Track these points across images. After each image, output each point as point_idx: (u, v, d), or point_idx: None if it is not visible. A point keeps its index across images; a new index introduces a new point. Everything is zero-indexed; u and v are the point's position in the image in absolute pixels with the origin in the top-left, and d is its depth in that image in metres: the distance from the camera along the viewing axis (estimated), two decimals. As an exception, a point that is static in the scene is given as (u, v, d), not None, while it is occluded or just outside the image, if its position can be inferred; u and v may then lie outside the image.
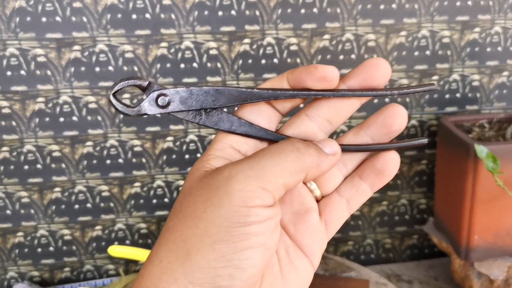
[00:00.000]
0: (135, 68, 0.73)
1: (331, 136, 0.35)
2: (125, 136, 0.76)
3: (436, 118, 0.81)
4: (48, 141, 0.75)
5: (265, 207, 0.29)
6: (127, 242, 0.81)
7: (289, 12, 0.73)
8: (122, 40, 0.71)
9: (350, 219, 0.85)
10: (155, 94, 0.33)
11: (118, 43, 0.72)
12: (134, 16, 0.71)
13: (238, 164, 0.30)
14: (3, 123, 0.73)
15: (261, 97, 0.33)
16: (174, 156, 0.78)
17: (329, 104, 0.34)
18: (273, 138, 0.34)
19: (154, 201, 0.80)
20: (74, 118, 0.74)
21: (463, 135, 0.69)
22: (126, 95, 0.73)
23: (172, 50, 0.73)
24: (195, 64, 0.74)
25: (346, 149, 0.34)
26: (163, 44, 0.72)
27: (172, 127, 0.76)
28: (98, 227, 0.80)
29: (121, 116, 0.75)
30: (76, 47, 0.71)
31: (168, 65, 0.73)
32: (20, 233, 0.79)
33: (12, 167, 0.75)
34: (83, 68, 0.72)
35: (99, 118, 0.75)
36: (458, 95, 0.80)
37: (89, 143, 0.76)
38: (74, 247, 0.81)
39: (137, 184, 0.79)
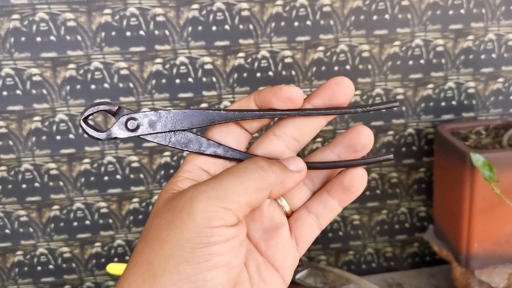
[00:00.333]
0: (131, 85, 0.73)
1: (301, 154, 0.35)
2: (122, 152, 0.76)
3: (432, 126, 0.81)
4: (46, 160, 0.75)
5: (228, 227, 0.30)
6: (127, 258, 0.81)
7: (283, 25, 0.73)
8: (117, 57, 0.72)
9: (350, 229, 0.85)
10: (124, 118, 0.34)
11: (113, 60, 0.72)
12: (128, 33, 0.71)
13: (201, 185, 0.31)
14: (0, 142, 0.73)
15: (228, 118, 0.34)
16: (172, 171, 0.78)
17: (295, 123, 0.34)
18: (242, 158, 0.34)
19: (153, 216, 0.80)
20: (71, 135, 0.74)
21: (459, 143, 0.69)
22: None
23: (167, 66, 0.73)
24: (190, 79, 0.74)
25: (313, 166, 0.35)
26: (158, 60, 0.73)
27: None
28: (97, 244, 0.80)
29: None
30: (71, 66, 0.71)
31: (164, 80, 0.73)
32: (19, 252, 0.79)
33: (10, 186, 0.75)
34: (78, 86, 0.72)
35: (96, 135, 0.75)
36: (454, 102, 0.80)
37: (86, 160, 0.76)
38: (73, 265, 0.81)
39: (135, 199, 0.79)
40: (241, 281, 0.33)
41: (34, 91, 0.72)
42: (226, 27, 0.72)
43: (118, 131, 0.34)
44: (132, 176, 0.77)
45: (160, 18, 0.71)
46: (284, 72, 0.75)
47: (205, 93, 0.75)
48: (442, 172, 0.76)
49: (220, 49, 0.73)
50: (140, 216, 0.80)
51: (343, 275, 0.66)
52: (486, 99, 0.81)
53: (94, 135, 0.33)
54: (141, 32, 0.71)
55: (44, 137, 0.74)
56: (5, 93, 0.71)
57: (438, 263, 0.87)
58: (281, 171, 0.32)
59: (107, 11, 0.70)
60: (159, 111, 0.34)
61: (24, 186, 0.76)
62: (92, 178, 0.77)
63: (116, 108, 0.34)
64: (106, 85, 0.73)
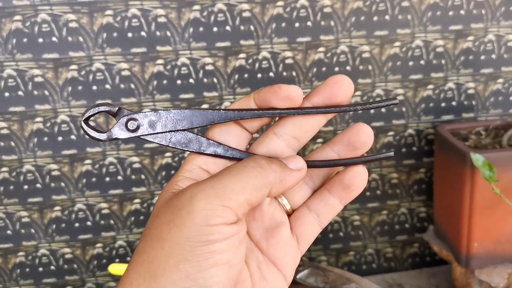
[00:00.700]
0: (132, 86, 0.73)
1: (301, 153, 0.36)
2: (124, 153, 0.76)
3: (432, 126, 0.81)
4: (47, 161, 0.75)
5: (228, 225, 0.30)
6: (128, 258, 0.81)
7: (284, 26, 0.73)
8: (118, 58, 0.72)
9: (351, 229, 0.85)
10: (125, 119, 0.34)
11: (115, 61, 0.72)
12: (129, 34, 0.71)
13: (200, 184, 0.31)
14: (2, 143, 0.74)
15: (227, 118, 0.34)
16: (173, 172, 0.78)
17: (294, 122, 0.35)
18: (242, 157, 0.34)
19: (154, 217, 0.80)
20: (73, 136, 0.75)
21: (460, 144, 0.69)
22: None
23: (169, 67, 0.73)
24: (191, 80, 0.74)
25: (313, 164, 0.35)
26: (159, 61, 0.73)
27: (170, 143, 0.77)
28: (98, 245, 0.80)
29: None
30: (73, 67, 0.72)
31: (165, 81, 0.74)
32: (21, 253, 0.79)
33: (11, 187, 0.76)
34: (80, 87, 0.73)
35: (98, 136, 0.75)
36: (454, 103, 0.80)
37: (88, 161, 0.76)
38: (75, 266, 0.81)
39: (136, 200, 0.79)
40: (242, 279, 0.33)
41: (36, 92, 0.72)
42: (227, 28, 0.73)
43: (118, 131, 0.34)
44: (133, 177, 0.78)
45: (161, 19, 0.71)
46: (285, 73, 0.75)
47: (206, 94, 0.75)
48: (442, 172, 0.76)
49: (221, 50, 0.73)
50: (142, 217, 0.80)
51: (344, 275, 0.67)
52: (486, 99, 0.81)
53: (95, 136, 0.34)
54: (143, 33, 0.71)
55: (45, 138, 0.74)
56: (7, 94, 0.72)
57: (438, 263, 0.88)
58: (281, 169, 0.32)
59: (108, 12, 0.70)
60: (159, 111, 0.34)
61: (25, 187, 0.76)
62: (94, 179, 0.77)
63: (117, 109, 0.34)
64: (107, 86, 0.73)
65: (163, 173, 0.78)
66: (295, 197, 0.36)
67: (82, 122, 0.33)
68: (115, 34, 0.71)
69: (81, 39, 0.71)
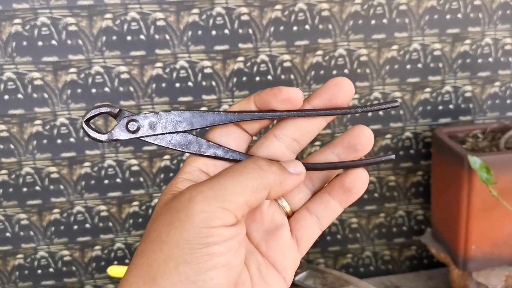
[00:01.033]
0: (131, 89, 0.74)
1: (299, 156, 0.36)
2: (122, 155, 0.77)
3: (430, 129, 0.81)
4: (46, 163, 0.75)
5: (227, 227, 0.30)
6: (127, 261, 0.81)
7: (282, 29, 0.74)
8: (117, 62, 0.72)
9: (348, 232, 0.85)
10: (125, 120, 0.34)
11: (114, 65, 0.72)
12: (129, 38, 0.72)
13: (199, 186, 0.31)
14: (1, 146, 0.74)
15: (228, 120, 0.34)
16: (171, 175, 0.78)
17: (295, 124, 0.35)
18: (242, 159, 0.34)
19: (153, 219, 0.80)
20: (72, 139, 0.75)
21: (457, 146, 0.70)
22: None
23: (167, 70, 0.74)
24: (190, 83, 0.74)
25: (314, 167, 0.35)
26: (158, 64, 0.73)
27: (169, 145, 0.77)
28: (97, 247, 0.80)
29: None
30: (72, 70, 0.72)
31: (164, 84, 0.74)
32: (20, 255, 0.79)
33: (11, 189, 0.76)
34: (79, 90, 0.73)
35: (96, 138, 0.75)
36: (451, 106, 0.81)
37: (86, 163, 0.76)
38: (74, 268, 0.81)
39: (135, 203, 0.79)
40: (242, 281, 0.33)
41: (35, 95, 0.72)
42: (226, 31, 0.73)
43: (119, 132, 0.34)
44: (132, 179, 0.78)
45: (160, 23, 0.72)
46: (283, 76, 0.76)
47: (204, 97, 0.75)
48: (439, 175, 0.76)
49: (219, 53, 0.74)
50: (140, 220, 0.80)
51: (342, 277, 0.67)
52: (483, 102, 0.81)
53: (96, 137, 0.34)
54: (142, 37, 0.72)
55: (45, 141, 0.74)
56: (6, 97, 0.72)
57: (436, 266, 0.88)
58: (281, 172, 0.32)
59: (108, 15, 0.70)
60: (159, 113, 0.34)
61: (24, 189, 0.76)
62: (93, 182, 0.77)
63: (117, 110, 0.34)
64: (106, 89, 0.73)
65: (162, 175, 0.78)
66: (295, 199, 0.36)
67: (83, 123, 0.34)
68: (114, 38, 0.71)
69: (80, 42, 0.71)
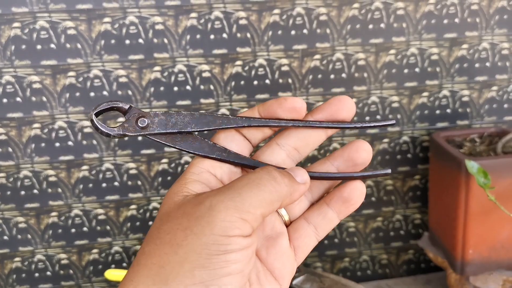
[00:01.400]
0: (129, 92, 0.74)
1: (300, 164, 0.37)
2: (120, 159, 0.77)
3: (427, 133, 0.82)
4: (44, 166, 0.75)
5: (244, 237, 0.31)
6: (124, 264, 0.81)
7: (280, 33, 0.74)
8: (116, 65, 0.73)
9: (346, 236, 0.85)
10: (135, 116, 0.34)
11: (112, 68, 0.73)
12: (127, 42, 0.72)
13: (219, 195, 0.32)
14: (-1, 149, 0.74)
15: (235, 123, 0.35)
16: (169, 178, 0.78)
17: (298, 134, 0.36)
18: (246, 163, 0.35)
19: (150, 223, 0.80)
20: (70, 142, 0.75)
21: (454, 151, 0.70)
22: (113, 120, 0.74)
23: (166, 74, 0.74)
24: (188, 87, 0.75)
25: (313, 176, 0.36)
26: (157, 68, 0.73)
27: (166, 149, 0.77)
28: (95, 251, 0.80)
29: (116, 140, 0.75)
30: (71, 73, 0.72)
31: (162, 88, 0.74)
32: (17, 258, 0.79)
33: (9, 192, 0.76)
34: (78, 94, 0.73)
35: (94, 142, 0.75)
36: (448, 110, 0.81)
37: (84, 167, 0.76)
38: (71, 271, 0.81)
39: (133, 206, 0.79)
40: None
41: (34, 98, 0.72)
42: (224, 35, 0.73)
43: (128, 128, 0.34)
44: (130, 183, 0.78)
45: (159, 27, 0.72)
46: (280, 80, 0.76)
47: (203, 100, 0.75)
48: (437, 179, 0.77)
49: (218, 57, 0.74)
50: (138, 223, 0.80)
51: (339, 281, 0.67)
52: (480, 107, 0.82)
53: (105, 130, 0.34)
54: (140, 40, 0.72)
55: (43, 144, 0.74)
56: (5, 100, 0.72)
57: (433, 270, 0.88)
58: (291, 183, 0.34)
59: (106, 19, 0.71)
60: (170, 112, 0.35)
61: (23, 192, 0.76)
62: (90, 185, 0.77)
63: (128, 106, 0.34)
64: (105, 93, 0.73)
65: (160, 179, 0.78)
66: (294, 208, 0.37)
67: (93, 115, 0.34)
68: (113, 41, 0.72)
69: (79, 46, 0.71)
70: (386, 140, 0.81)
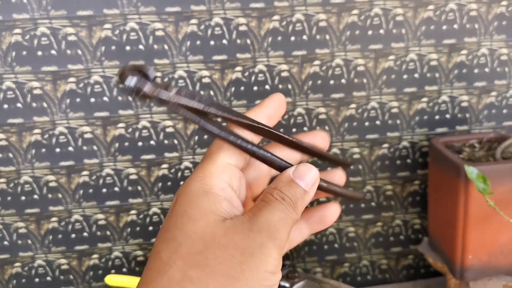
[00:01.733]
0: (130, 98, 0.74)
1: None
2: (121, 164, 0.77)
3: (427, 139, 0.82)
4: (45, 172, 0.76)
5: (279, 273, 0.35)
6: (124, 270, 0.81)
7: (280, 39, 0.74)
8: (116, 71, 0.73)
9: (345, 241, 0.85)
10: (162, 85, 0.34)
11: (113, 74, 0.73)
12: (128, 48, 0.72)
13: (264, 232, 0.34)
14: (0, 155, 0.74)
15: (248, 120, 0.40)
16: (169, 183, 0.79)
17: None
18: (261, 154, 0.38)
19: (150, 228, 0.80)
20: (70, 148, 0.75)
21: (454, 156, 0.70)
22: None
23: (166, 80, 0.74)
24: (188, 93, 0.75)
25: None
26: (157, 74, 0.74)
27: (166, 154, 0.77)
28: (95, 256, 0.80)
29: (117, 145, 0.75)
30: (72, 79, 0.72)
31: (162, 94, 0.74)
32: (17, 264, 0.79)
33: (9, 198, 0.76)
34: (78, 100, 0.73)
35: (95, 147, 0.76)
36: (447, 116, 0.81)
37: (85, 172, 0.76)
38: (71, 277, 0.81)
39: (133, 211, 0.79)
40: None
41: (34, 104, 0.73)
42: (224, 41, 0.73)
43: (160, 92, 0.34)
44: (130, 188, 0.78)
45: (159, 33, 0.72)
46: (280, 86, 0.76)
47: (203, 106, 0.75)
48: (436, 184, 0.77)
49: (217, 63, 0.74)
50: (138, 228, 0.80)
51: (339, 286, 0.67)
52: (479, 112, 0.82)
53: (136, 85, 0.32)
54: (141, 47, 0.72)
55: (43, 150, 0.75)
56: (5, 106, 0.72)
57: (433, 275, 0.88)
58: (304, 203, 0.38)
59: (107, 26, 0.71)
60: (195, 92, 0.36)
61: (23, 198, 0.76)
62: (91, 190, 0.77)
63: (153, 76, 0.34)
64: (105, 98, 0.74)
65: (160, 184, 0.78)
66: None
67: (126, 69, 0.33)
68: (113, 48, 0.72)
69: (79, 52, 0.71)
70: (385, 145, 0.81)
